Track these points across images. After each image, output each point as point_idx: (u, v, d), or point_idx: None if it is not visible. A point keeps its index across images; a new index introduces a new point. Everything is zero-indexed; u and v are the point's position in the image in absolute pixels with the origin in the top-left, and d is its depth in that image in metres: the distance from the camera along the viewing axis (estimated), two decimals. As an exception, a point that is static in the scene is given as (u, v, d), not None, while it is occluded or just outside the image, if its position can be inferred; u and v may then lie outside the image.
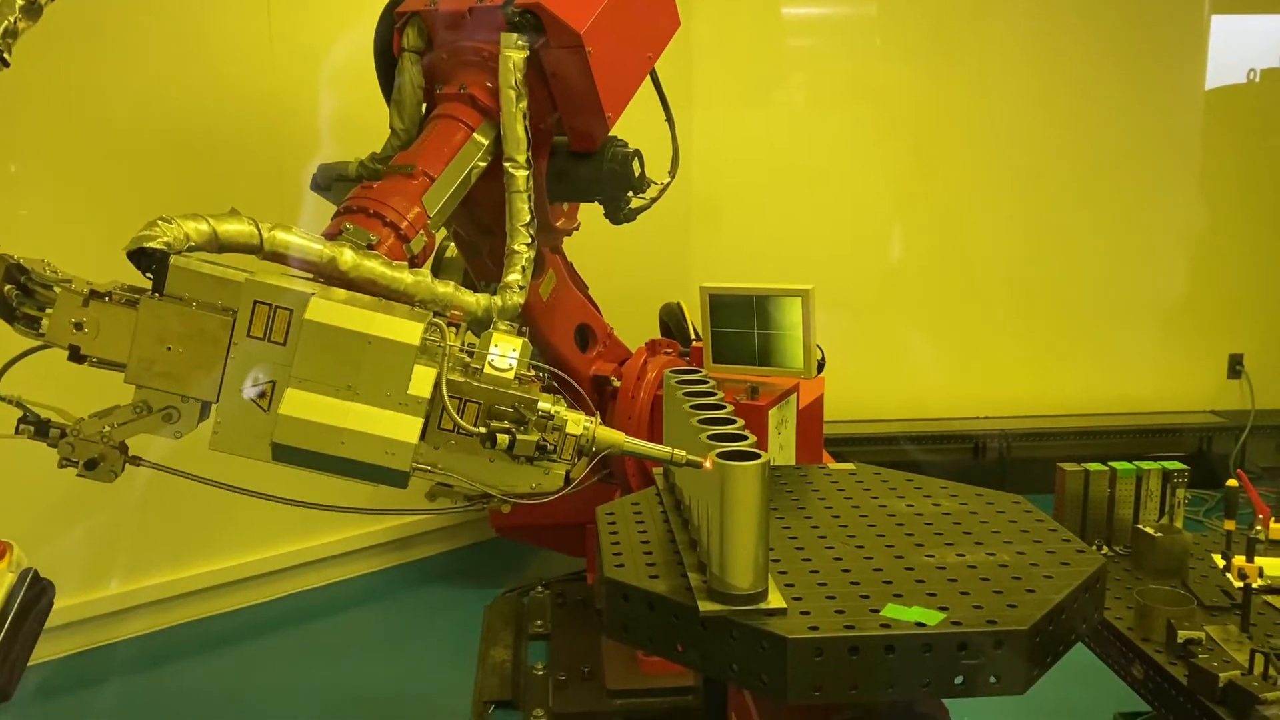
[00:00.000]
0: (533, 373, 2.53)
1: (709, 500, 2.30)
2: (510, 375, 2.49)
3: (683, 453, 2.41)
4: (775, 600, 2.31)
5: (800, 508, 2.86)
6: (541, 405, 2.50)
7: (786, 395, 4.28)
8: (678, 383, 2.84)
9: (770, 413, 4.14)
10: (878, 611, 2.29)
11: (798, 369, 4.20)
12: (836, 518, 2.79)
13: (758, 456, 2.24)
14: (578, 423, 2.51)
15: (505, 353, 2.50)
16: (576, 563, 5.66)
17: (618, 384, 4.58)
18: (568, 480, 2.55)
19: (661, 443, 2.51)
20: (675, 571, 2.46)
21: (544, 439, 2.47)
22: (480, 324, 3.07)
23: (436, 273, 4.31)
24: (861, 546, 2.62)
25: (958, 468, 6.67)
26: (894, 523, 2.74)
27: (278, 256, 2.66)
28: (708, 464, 2.26)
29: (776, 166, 6.78)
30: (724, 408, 2.61)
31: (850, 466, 3.18)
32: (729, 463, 2.22)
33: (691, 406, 2.64)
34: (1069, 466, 3.35)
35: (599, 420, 2.53)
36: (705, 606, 2.30)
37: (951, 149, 6.82)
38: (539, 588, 5.50)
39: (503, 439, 2.45)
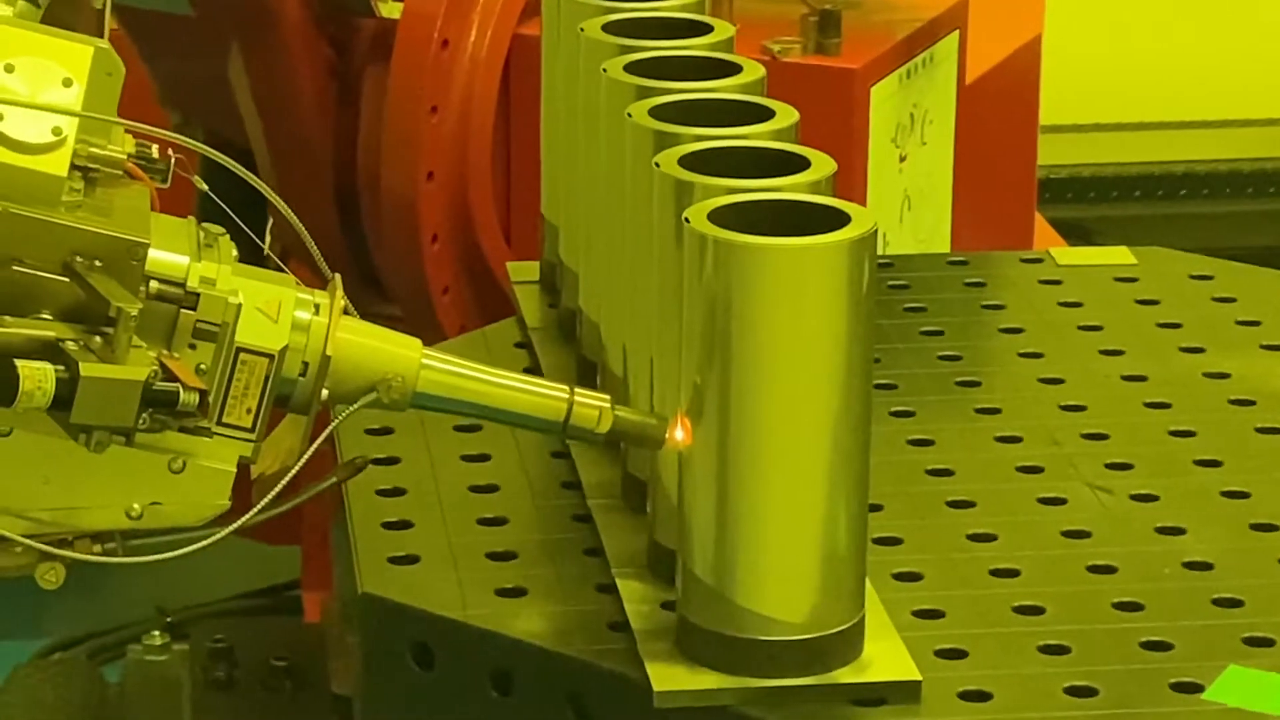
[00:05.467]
0: (128, 147, 1.17)
1: (702, 386, 1.19)
2: (55, 165, 1.14)
3: (648, 418, 1.22)
4: (889, 659, 1.17)
5: (969, 382, 1.72)
6: (157, 260, 1.14)
7: (924, 41, 2.69)
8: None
9: (874, 90, 2.57)
10: (1190, 690, 1.19)
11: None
12: (1077, 412, 1.63)
13: (844, 223, 1.17)
14: (270, 305, 1.16)
15: (37, 85, 1.16)
16: (262, 563, 2.82)
17: (388, 7, 2.29)
18: (247, 494, 1.22)
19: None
20: (578, 572, 1.37)
21: (165, 370, 1.10)
22: None
23: None
24: (1156, 499, 1.47)
25: None
26: (1242, 427, 1.58)
27: None
28: (678, 434, 1.18)
29: None
30: (734, 70, 1.42)
31: (1123, 255, 1.98)
32: (742, 240, 1.13)
33: (631, 67, 1.37)
34: None
35: (339, 291, 1.19)
36: (676, 682, 1.15)
37: None
38: (153, 635, 2.09)
39: (32, 374, 1.07)
